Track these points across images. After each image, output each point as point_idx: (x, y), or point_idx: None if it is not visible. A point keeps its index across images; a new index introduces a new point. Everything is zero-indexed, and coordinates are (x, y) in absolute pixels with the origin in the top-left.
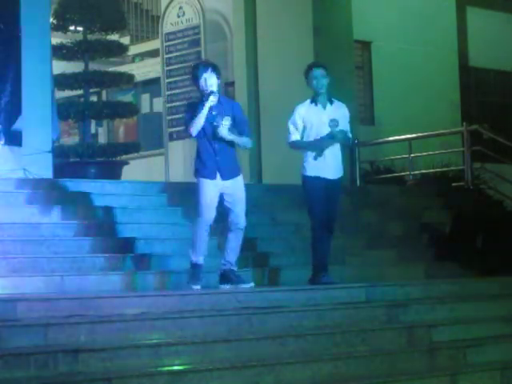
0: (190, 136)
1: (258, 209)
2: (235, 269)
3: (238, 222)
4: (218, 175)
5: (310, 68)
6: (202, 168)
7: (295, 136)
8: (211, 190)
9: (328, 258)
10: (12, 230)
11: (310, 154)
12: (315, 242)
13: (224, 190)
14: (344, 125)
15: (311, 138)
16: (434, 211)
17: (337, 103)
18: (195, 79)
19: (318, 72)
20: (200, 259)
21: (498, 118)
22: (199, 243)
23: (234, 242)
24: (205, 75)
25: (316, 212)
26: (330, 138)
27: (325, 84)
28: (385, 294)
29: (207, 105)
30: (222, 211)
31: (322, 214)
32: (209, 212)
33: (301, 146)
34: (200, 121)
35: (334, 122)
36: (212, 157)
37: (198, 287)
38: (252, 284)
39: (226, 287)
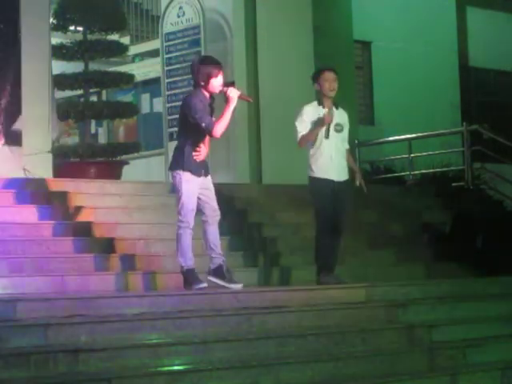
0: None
1: (258, 209)
2: (225, 261)
3: (217, 214)
4: (203, 172)
5: (322, 71)
6: (194, 164)
7: (302, 133)
8: (196, 187)
9: (336, 259)
10: (12, 229)
11: (318, 155)
12: (319, 244)
13: (203, 186)
14: (345, 133)
15: (317, 141)
16: (434, 211)
17: (341, 109)
18: (207, 75)
19: (331, 75)
20: (192, 263)
21: (497, 118)
22: (187, 249)
23: (216, 233)
24: (221, 75)
25: (324, 214)
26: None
27: (336, 88)
28: (385, 294)
29: (232, 106)
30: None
31: (331, 216)
32: (193, 212)
33: (307, 137)
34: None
35: (339, 127)
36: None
37: (205, 285)
38: (241, 285)
39: (216, 282)
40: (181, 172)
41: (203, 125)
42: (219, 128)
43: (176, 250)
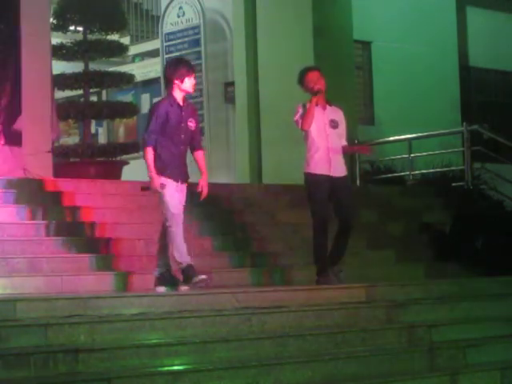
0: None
1: (258, 209)
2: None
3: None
4: (180, 178)
5: (305, 72)
6: (168, 169)
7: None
8: (174, 190)
9: (344, 253)
10: (11, 229)
11: (315, 151)
12: (316, 242)
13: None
14: (342, 129)
15: (313, 137)
16: (434, 211)
17: (334, 107)
18: (183, 74)
19: (314, 74)
20: (189, 259)
21: (498, 118)
22: (181, 245)
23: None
24: (193, 77)
25: (318, 211)
26: None
27: (323, 84)
28: (385, 294)
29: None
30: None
31: (327, 213)
32: (179, 210)
33: (307, 115)
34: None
35: (334, 123)
36: (177, 161)
37: (205, 276)
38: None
39: (162, 289)
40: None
41: (144, 137)
42: (147, 151)
43: (173, 250)
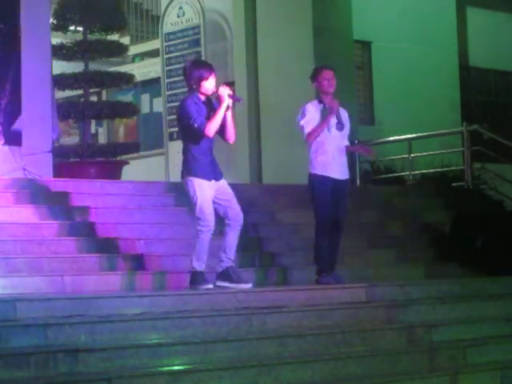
0: (204, 136)
1: (258, 209)
2: (234, 265)
3: (238, 218)
4: (213, 176)
5: (320, 69)
6: (200, 168)
7: (308, 129)
8: (210, 191)
9: (337, 256)
10: (12, 229)
11: (320, 153)
12: (318, 243)
13: (218, 191)
14: (346, 130)
15: (319, 139)
16: (434, 211)
17: (340, 108)
18: (198, 79)
19: (330, 73)
20: (203, 266)
21: (498, 118)
22: (203, 252)
23: (235, 238)
24: (212, 78)
25: (322, 212)
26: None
27: (335, 85)
28: (385, 294)
29: (223, 105)
30: (217, 213)
31: (330, 214)
32: (212, 216)
33: (317, 130)
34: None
35: (340, 125)
36: (208, 156)
37: (211, 286)
38: (250, 285)
39: (225, 285)
40: (191, 178)
41: (195, 125)
42: (211, 127)
43: (193, 252)
